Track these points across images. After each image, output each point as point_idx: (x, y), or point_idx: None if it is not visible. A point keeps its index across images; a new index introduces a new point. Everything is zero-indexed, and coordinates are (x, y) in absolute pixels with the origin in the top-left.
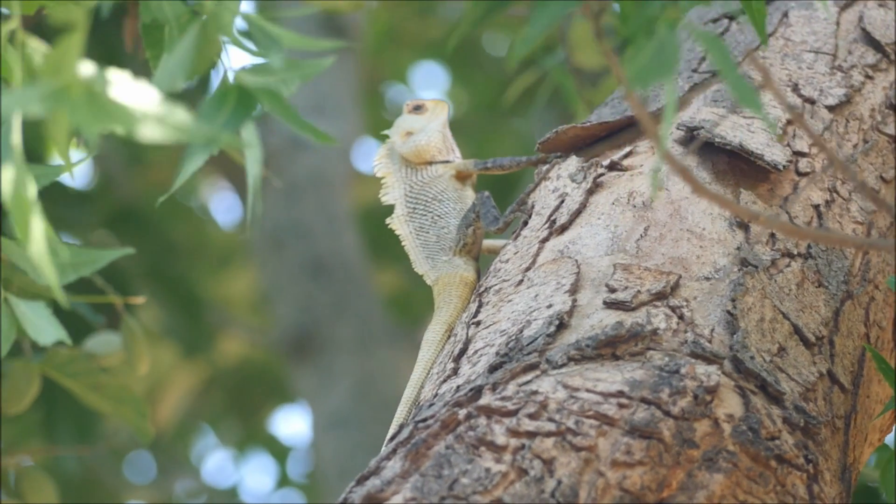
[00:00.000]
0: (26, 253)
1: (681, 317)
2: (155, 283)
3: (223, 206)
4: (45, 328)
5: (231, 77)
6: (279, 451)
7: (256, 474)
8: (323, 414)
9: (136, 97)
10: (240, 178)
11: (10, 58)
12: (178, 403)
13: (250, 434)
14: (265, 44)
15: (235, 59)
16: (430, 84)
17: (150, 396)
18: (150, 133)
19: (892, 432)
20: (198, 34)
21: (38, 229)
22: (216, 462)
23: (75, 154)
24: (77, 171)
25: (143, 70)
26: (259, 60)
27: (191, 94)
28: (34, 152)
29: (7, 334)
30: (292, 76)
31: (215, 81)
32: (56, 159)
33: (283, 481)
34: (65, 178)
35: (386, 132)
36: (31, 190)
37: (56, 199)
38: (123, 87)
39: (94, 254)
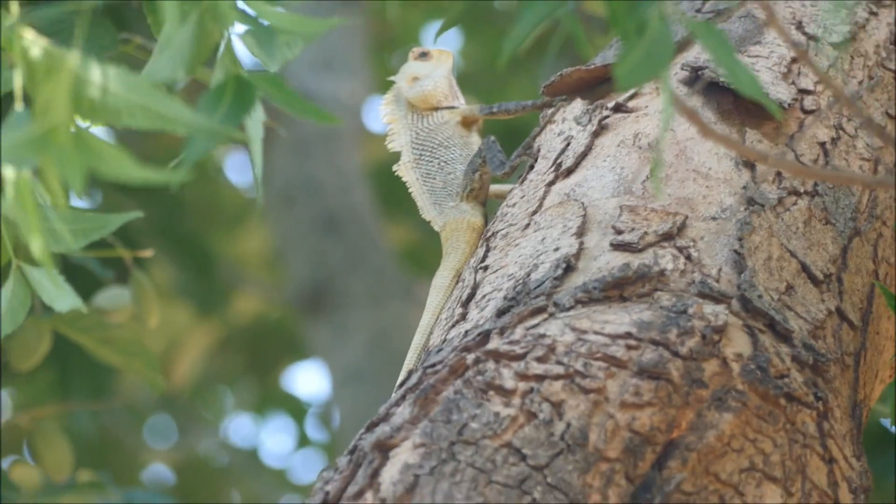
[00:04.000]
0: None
1: (688, 257)
2: (168, 243)
3: (236, 166)
4: (59, 295)
5: (233, 39)
6: (297, 411)
7: (276, 435)
8: (339, 369)
9: (132, 90)
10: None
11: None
12: (195, 363)
13: (268, 393)
14: (264, 41)
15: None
16: (442, 39)
17: (165, 357)
18: (134, 175)
19: None
20: (196, 25)
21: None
22: (236, 424)
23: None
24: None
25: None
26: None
27: None
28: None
29: (23, 301)
30: (296, 38)
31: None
32: None
33: (303, 441)
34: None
35: (392, 78)
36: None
37: None
38: (118, 81)
39: (103, 219)
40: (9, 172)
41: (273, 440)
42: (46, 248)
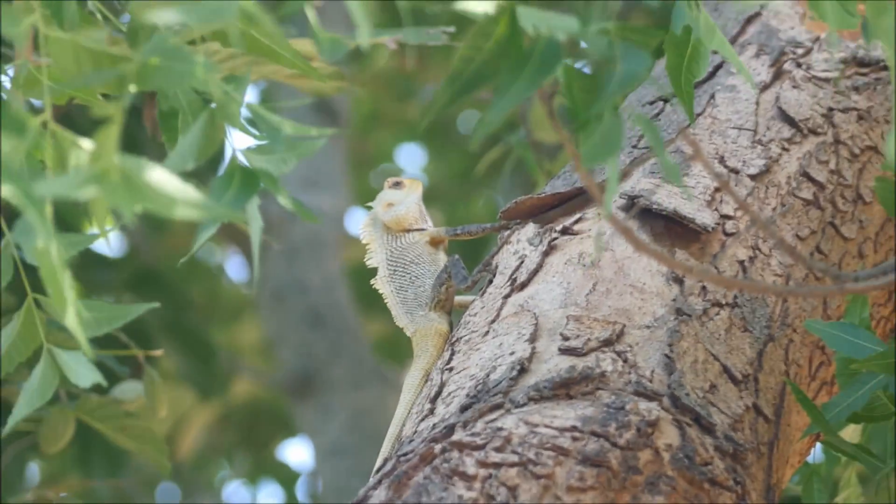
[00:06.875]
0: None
1: (625, 360)
2: (174, 336)
3: (233, 268)
4: (83, 373)
5: (239, 157)
6: (288, 478)
7: (268, 498)
8: (322, 445)
9: (157, 179)
10: (247, 243)
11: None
12: (197, 438)
13: (260, 464)
14: (269, 132)
15: (240, 142)
16: (411, 159)
17: (172, 432)
18: (172, 211)
19: (811, 454)
20: (206, 121)
21: (69, 293)
22: (233, 489)
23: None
24: (108, 238)
25: (160, 151)
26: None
27: (200, 172)
28: (68, 222)
29: (50, 380)
30: (291, 155)
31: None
32: (90, 230)
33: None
34: (101, 247)
35: (370, 204)
36: (60, 258)
37: (89, 265)
38: (146, 170)
39: (121, 309)
40: (46, 263)
41: (268, 502)
42: (80, 321)
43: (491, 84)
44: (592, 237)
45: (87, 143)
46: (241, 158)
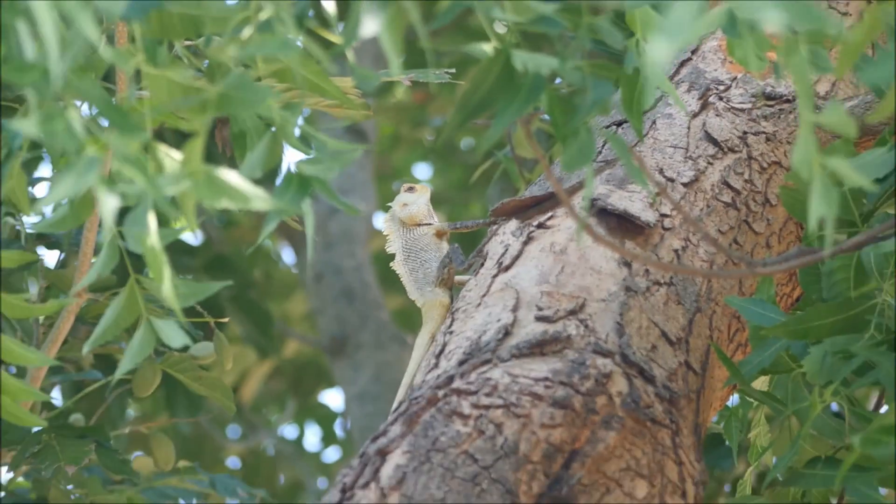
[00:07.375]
0: (159, 288)
1: (586, 326)
2: (239, 307)
3: (286, 254)
4: (175, 336)
5: (293, 168)
6: (327, 419)
7: (311, 435)
8: (353, 392)
9: (234, 180)
10: (295, 237)
11: (143, 158)
12: (256, 387)
13: (305, 408)
14: (317, 147)
15: (293, 156)
16: (423, 171)
17: (237, 383)
18: (247, 205)
19: (730, 400)
20: (269, 140)
21: (167, 273)
22: (284, 426)
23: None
24: (194, 230)
25: (230, 165)
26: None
27: (258, 182)
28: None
29: (149, 341)
30: (334, 165)
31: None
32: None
33: (329, 439)
34: (186, 237)
35: (389, 204)
36: (161, 247)
37: (174, 251)
38: (228, 175)
39: (202, 286)
40: (151, 242)
41: (311, 437)
42: (175, 294)
43: (490, 110)
44: (563, 230)
45: (177, 155)
46: (295, 168)
